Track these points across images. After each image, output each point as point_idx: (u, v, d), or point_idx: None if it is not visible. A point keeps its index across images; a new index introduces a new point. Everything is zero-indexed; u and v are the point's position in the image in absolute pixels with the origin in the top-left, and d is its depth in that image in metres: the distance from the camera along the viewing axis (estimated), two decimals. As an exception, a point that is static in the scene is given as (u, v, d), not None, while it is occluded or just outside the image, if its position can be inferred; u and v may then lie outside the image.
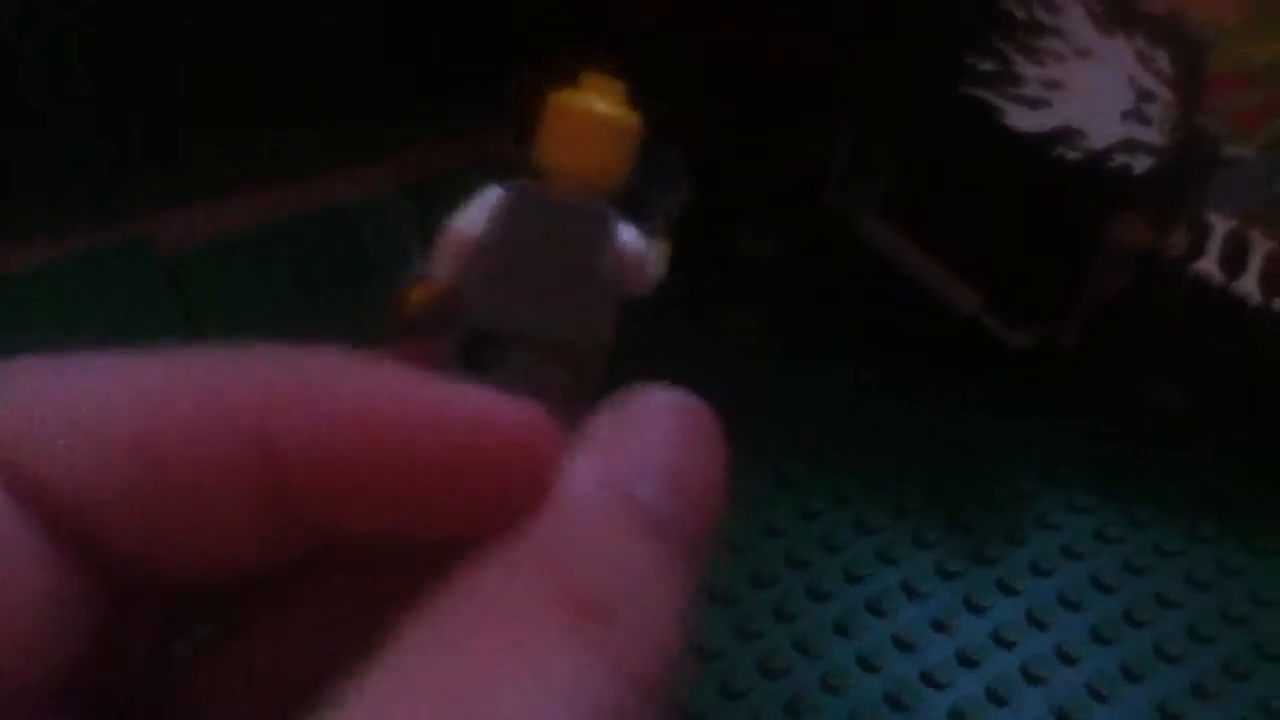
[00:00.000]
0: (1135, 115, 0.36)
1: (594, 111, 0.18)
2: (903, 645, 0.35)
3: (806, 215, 0.39)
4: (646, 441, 0.15)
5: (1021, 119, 0.35)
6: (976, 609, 0.36)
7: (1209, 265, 0.37)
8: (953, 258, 0.37)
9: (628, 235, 0.19)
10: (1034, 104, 0.35)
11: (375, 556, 0.15)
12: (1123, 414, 0.40)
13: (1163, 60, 0.38)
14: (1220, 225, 0.37)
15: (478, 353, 0.18)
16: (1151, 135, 0.36)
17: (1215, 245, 0.37)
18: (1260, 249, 0.37)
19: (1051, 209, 0.35)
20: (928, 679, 0.34)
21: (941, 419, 0.41)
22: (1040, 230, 0.36)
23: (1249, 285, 0.36)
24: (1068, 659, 0.35)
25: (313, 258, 0.46)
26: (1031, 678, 0.34)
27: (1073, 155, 0.34)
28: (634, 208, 0.19)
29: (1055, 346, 0.37)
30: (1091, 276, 0.36)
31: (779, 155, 0.38)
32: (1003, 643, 0.35)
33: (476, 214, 0.19)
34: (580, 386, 0.18)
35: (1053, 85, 0.36)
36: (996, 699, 0.34)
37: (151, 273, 0.44)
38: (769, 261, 0.41)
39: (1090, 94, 0.36)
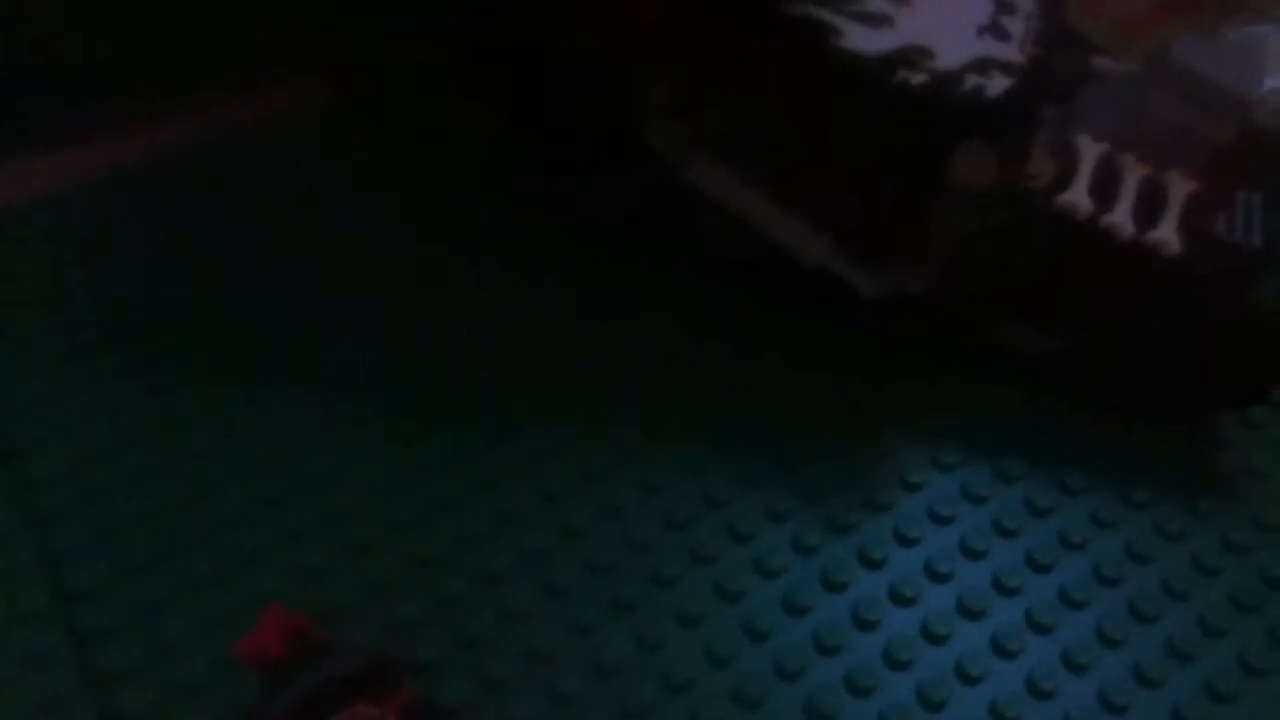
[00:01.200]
0: (992, 29, 0.32)
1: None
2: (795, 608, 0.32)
3: (635, 162, 0.35)
4: None
5: (860, 39, 0.30)
6: (834, 587, 0.33)
7: (1077, 196, 0.33)
8: (796, 199, 0.33)
9: None
10: (875, 21, 0.31)
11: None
12: (989, 362, 0.37)
13: (1025, -35, 0.34)
14: (1090, 151, 0.34)
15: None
16: (1009, 52, 0.32)
17: (1085, 173, 0.33)
18: (1134, 176, 0.34)
19: (895, 138, 0.31)
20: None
21: (790, 378, 0.38)
22: (886, 162, 0.32)
23: (1120, 216, 0.33)
24: (935, 638, 0.32)
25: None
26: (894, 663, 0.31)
27: (917, 78, 0.30)
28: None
29: (907, 294, 0.34)
30: (940, 214, 0.32)
31: (602, 95, 0.34)
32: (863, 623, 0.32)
33: None
34: None
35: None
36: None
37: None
38: (598, 214, 0.37)
39: (941, 6, 0.32)
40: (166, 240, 0.41)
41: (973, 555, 0.34)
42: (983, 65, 0.31)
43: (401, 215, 0.42)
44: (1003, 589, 0.33)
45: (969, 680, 0.31)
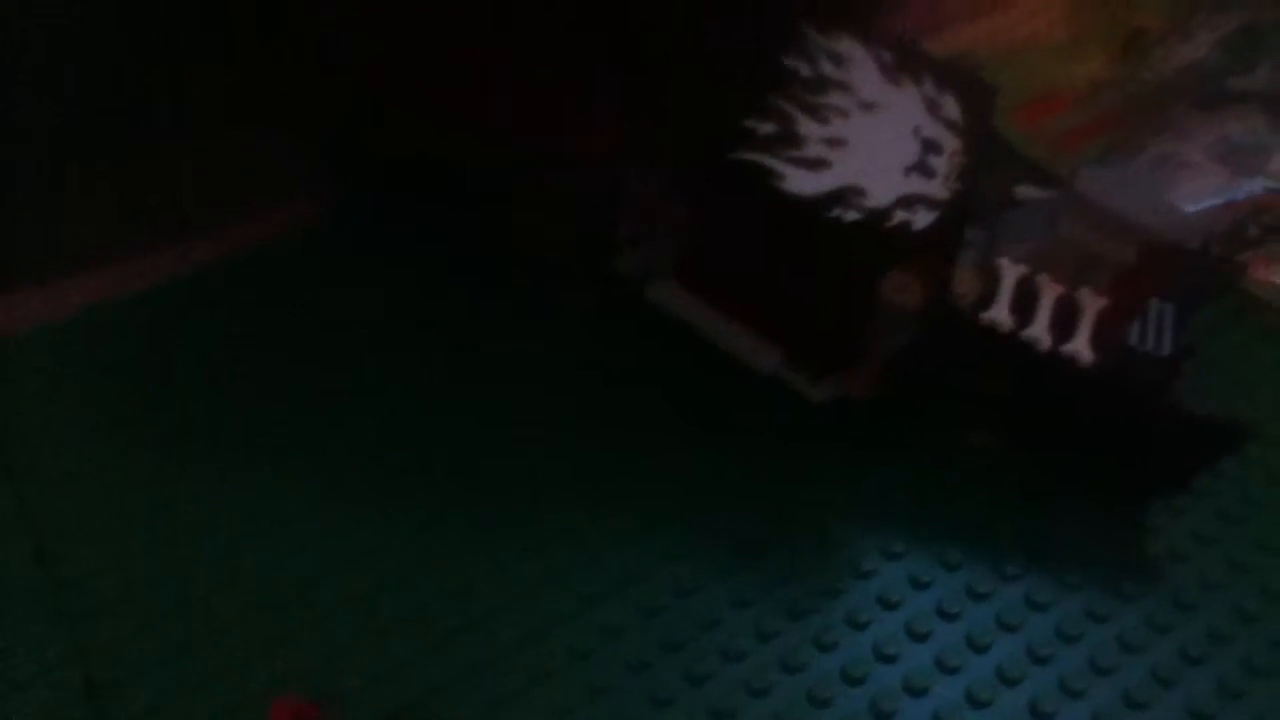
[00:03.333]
0: (919, 168, 0.37)
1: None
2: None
3: (602, 278, 0.39)
4: None
5: (800, 182, 0.35)
6: (792, 669, 0.36)
7: (999, 313, 0.37)
8: (749, 317, 0.38)
9: None
10: (813, 165, 0.35)
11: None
12: (930, 458, 0.40)
13: (951, 106, 0.39)
14: (1010, 271, 0.38)
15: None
16: (934, 189, 0.36)
17: (1006, 292, 0.38)
18: (1050, 294, 0.38)
19: (833, 266, 0.35)
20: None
21: (750, 475, 0.41)
22: (826, 287, 0.36)
23: (1039, 331, 0.37)
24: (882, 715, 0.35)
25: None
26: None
27: (851, 215, 0.35)
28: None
29: (850, 400, 0.38)
30: (876, 330, 0.36)
31: (570, 219, 0.38)
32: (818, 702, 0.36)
33: None
34: None
35: (835, 143, 0.36)
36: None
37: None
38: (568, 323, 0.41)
39: (873, 150, 0.36)
40: (184, 353, 0.45)
41: (918, 637, 0.37)
42: (910, 201, 0.35)
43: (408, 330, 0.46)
44: (945, 668, 0.36)
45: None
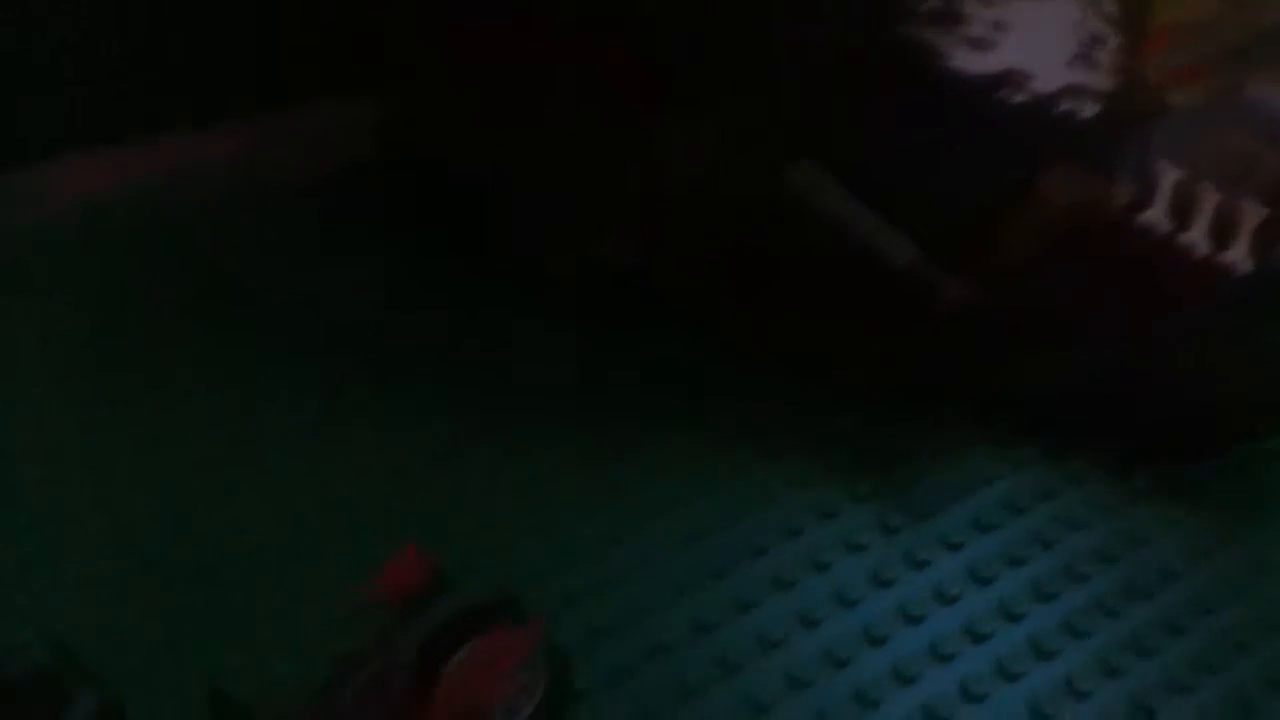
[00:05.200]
0: (1082, 59, 0.35)
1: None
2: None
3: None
4: None
5: (965, 60, 0.33)
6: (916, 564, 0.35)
7: (1156, 215, 0.36)
8: (887, 205, 0.36)
9: None
10: (978, 45, 0.34)
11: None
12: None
13: (1109, 2, 0.37)
14: (1167, 176, 0.37)
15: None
16: (1097, 81, 0.35)
17: (1164, 196, 0.36)
18: (1209, 201, 0.36)
19: (991, 155, 0.34)
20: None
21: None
22: (978, 178, 0.35)
23: (1196, 236, 0.36)
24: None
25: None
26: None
27: (1016, 100, 0.33)
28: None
29: (985, 303, 0.36)
30: (1024, 230, 0.35)
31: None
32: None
33: None
34: None
35: (999, 25, 0.35)
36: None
37: None
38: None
39: (1037, 36, 0.35)
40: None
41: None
42: (1075, 91, 0.34)
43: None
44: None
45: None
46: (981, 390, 0.39)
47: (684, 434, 0.38)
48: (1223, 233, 0.36)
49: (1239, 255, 0.35)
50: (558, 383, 0.40)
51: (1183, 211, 0.36)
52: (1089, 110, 0.34)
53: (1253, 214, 0.36)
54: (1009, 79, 0.33)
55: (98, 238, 0.45)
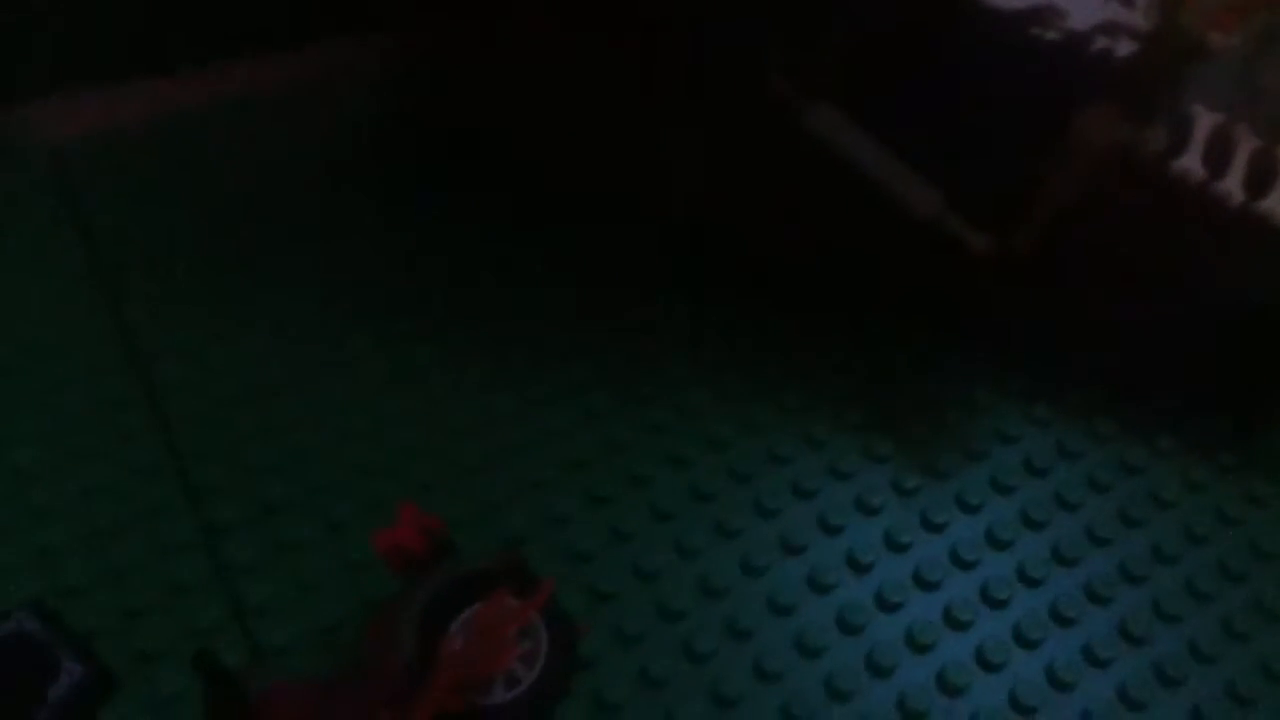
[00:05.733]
0: (1119, -3, 0.33)
1: None
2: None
3: (741, 111, 0.36)
4: None
5: (998, -5, 0.31)
6: (934, 527, 0.34)
7: (1191, 162, 0.34)
8: (912, 153, 0.34)
9: None
10: (1011, -21, 0.32)
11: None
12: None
13: (1148, -61, 0.35)
14: (1204, 121, 0.35)
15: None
16: (1134, 19, 0.33)
17: (1198, 142, 0.34)
18: (1246, 147, 0.35)
19: (1021, 96, 0.32)
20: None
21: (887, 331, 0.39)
22: (1009, 120, 0.33)
23: (1232, 184, 0.34)
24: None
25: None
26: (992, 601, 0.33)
27: (1051, 35, 0.31)
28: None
29: (1010, 253, 0.35)
30: (1059, 173, 0.33)
31: (706, 45, 0.35)
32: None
33: None
34: None
35: (1031, -40, 0.33)
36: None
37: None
38: (697, 163, 0.38)
39: (1072, -29, 0.33)
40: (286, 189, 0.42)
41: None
42: (1111, 28, 0.32)
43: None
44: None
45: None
46: (1006, 340, 0.37)
47: (692, 391, 0.37)
48: (1260, 181, 0.34)
49: (1277, 204, 0.34)
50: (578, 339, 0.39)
51: (1218, 158, 0.34)
52: (1124, 49, 0.32)
53: (1292, 161, 0.35)
54: (1043, 15, 0.31)
55: (109, 172, 0.42)
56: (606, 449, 0.35)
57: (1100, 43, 0.32)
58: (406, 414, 0.35)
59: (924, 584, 0.33)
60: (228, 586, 0.31)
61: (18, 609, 0.29)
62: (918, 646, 0.31)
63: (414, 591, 0.28)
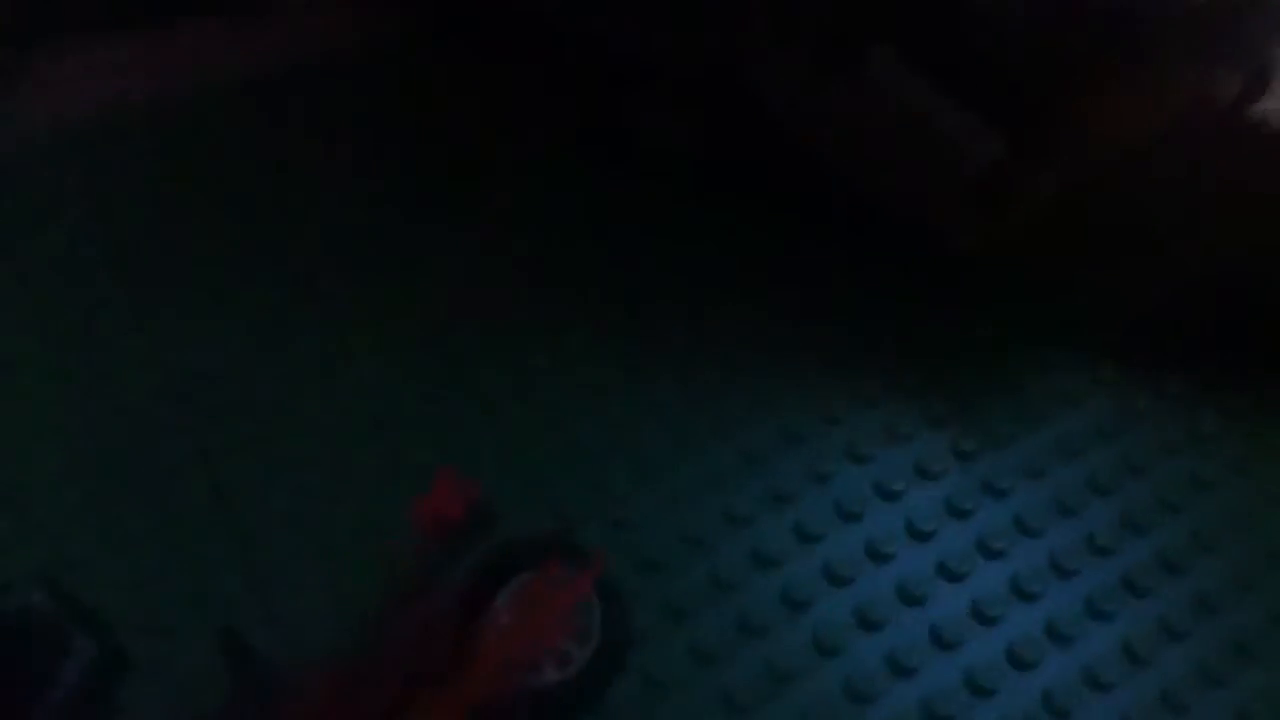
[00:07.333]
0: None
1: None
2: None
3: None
4: None
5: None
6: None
7: (1273, 107, 0.32)
8: (974, 101, 0.32)
9: None
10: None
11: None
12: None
13: None
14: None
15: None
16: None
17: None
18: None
19: (1090, 33, 0.30)
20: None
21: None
22: (1075, 58, 0.30)
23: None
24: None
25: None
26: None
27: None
28: None
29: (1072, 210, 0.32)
30: (1127, 118, 0.31)
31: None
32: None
33: None
34: None
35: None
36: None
37: None
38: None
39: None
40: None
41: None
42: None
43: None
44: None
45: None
46: (1070, 298, 0.35)
47: (744, 349, 0.35)
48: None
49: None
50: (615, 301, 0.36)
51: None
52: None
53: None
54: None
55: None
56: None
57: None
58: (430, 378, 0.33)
59: (989, 552, 0.31)
60: (244, 553, 0.29)
61: (23, 583, 0.27)
62: (984, 619, 0.30)
63: (455, 562, 0.26)
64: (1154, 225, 0.33)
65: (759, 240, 0.37)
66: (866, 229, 0.36)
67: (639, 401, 0.33)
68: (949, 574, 0.30)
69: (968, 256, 0.35)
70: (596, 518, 0.30)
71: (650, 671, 0.28)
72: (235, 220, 0.37)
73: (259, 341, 0.34)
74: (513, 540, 0.26)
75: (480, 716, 0.24)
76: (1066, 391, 0.34)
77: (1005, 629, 0.30)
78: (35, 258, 0.36)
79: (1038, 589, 0.30)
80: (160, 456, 0.31)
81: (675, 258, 0.37)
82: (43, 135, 0.39)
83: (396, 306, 0.35)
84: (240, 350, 0.34)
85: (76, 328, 0.34)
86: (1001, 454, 0.33)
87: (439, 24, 0.43)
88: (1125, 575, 0.31)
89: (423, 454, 0.31)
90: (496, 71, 0.41)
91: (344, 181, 0.39)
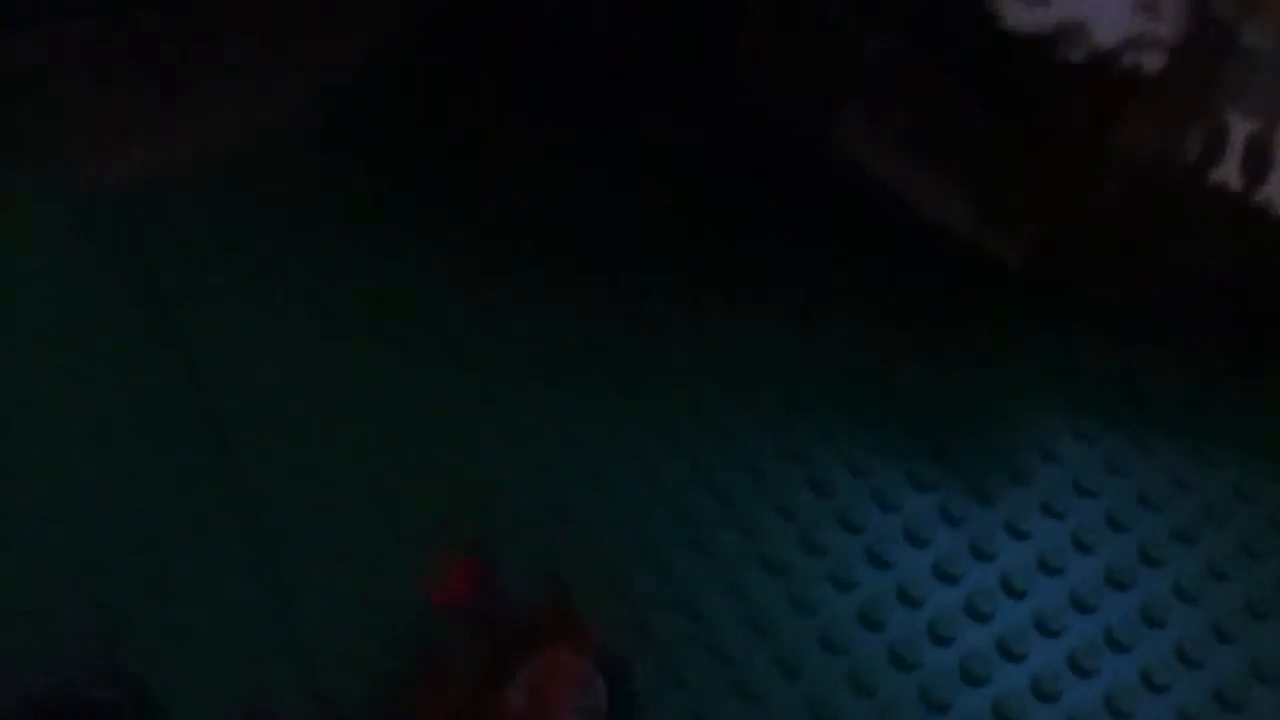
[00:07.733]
0: (1144, 7, 0.33)
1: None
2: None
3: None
4: None
5: (1020, 16, 0.31)
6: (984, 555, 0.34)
7: (1228, 172, 0.33)
8: (945, 167, 0.34)
9: None
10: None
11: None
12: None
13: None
14: (1240, 127, 0.34)
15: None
16: (1163, 29, 0.32)
17: (1235, 150, 0.34)
18: (1285, 151, 0.34)
19: (1051, 114, 0.32)
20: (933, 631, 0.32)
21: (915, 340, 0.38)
22: (1039, 137, 0.32)
23: (1272, 193, 0.33)
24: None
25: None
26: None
27: (1075, 56, 0.31)
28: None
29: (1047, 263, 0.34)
30: (1092, 186, 0.32)
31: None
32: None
33: None
34: None
35: (1053, -25, 0.32)
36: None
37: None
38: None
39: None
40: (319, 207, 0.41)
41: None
42: (1139, 43, 0.32)
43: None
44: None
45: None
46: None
47: (727, 410, 0.36)
48: (1302, 187, 0.34)
49: (1320, 211, 0.33)
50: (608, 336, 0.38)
51: (1257, 167, 0.34)
52: (1155, 61, 0.31)
53: (1335, 165, 0.34)
54: (1066, 34, 0.31)
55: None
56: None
57: (1129, 58, 0.31)
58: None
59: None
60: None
61: (84, 672, 0.28)
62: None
63: (468, 658, 0.28)
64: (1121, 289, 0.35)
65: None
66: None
67: (631, 467, 0.35)
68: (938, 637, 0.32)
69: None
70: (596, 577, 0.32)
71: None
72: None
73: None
74: (521, 625, 0.28)
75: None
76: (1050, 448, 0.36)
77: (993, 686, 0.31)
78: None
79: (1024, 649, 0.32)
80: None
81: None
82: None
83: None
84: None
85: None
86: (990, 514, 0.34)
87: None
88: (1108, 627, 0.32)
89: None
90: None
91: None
